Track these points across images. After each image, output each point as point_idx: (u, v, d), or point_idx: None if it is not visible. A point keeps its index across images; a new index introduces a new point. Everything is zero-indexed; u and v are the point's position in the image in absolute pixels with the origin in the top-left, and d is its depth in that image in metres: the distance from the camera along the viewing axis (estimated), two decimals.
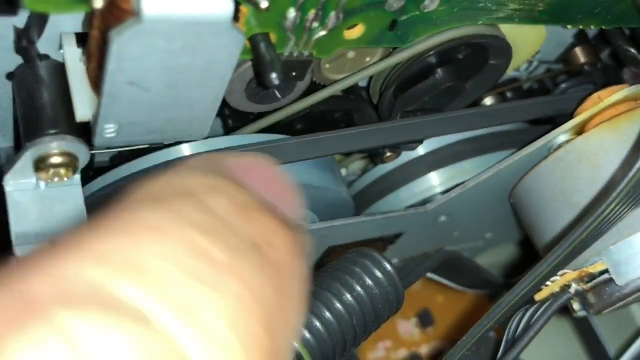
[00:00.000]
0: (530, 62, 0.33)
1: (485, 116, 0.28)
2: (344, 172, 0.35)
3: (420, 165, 0.33)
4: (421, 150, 0.33)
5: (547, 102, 0.29)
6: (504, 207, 0.33)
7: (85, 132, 0.23)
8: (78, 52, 0.23)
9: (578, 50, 0.33)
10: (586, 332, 0.43)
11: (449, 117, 0.28)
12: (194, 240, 0.12)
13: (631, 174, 0.22)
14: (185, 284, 0.12)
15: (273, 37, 0.22)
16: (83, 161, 0.23)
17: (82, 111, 0.22)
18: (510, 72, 0.33)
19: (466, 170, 0.33)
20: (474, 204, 0.32)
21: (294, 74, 0.23)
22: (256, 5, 0.19)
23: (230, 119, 0.29)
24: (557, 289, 0.28)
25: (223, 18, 0.19)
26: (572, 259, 0.25)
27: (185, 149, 0.25)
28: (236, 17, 0.21)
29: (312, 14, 0.21)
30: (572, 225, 0.28)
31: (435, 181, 0.33)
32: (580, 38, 0.33)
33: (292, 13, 0.21)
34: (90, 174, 0.27)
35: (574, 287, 0.27)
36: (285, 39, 0.22)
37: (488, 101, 0.34)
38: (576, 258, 0.25)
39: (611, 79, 0.34)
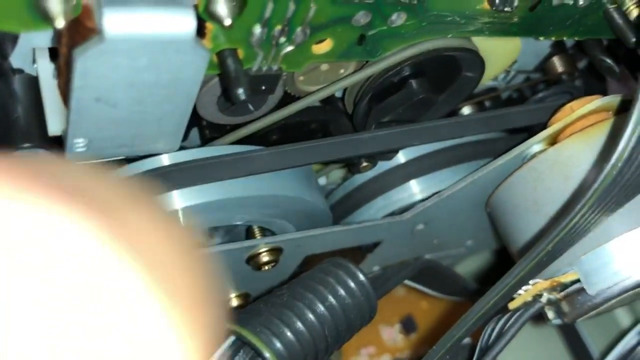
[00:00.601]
0: (508, 72, 0.33)
1: (459, 126, 0.29)
2: (324, 180, 0.35)
3: (397, 174, 0.33)
4: (399, 159, 0.33)
5: (524, 112, 0.29)
6: (483, 215, 0.33)
7: (59, 144, 0.23)
8: (51, 66, 0.23)
9: (555, 60, 0.34)
10: (570, 334, 0.44)
11: (423, 127, 0.28)
12: None
13: (595, 185, 0.22)
14: None
15: (241, 52, 0.22)
16: None
17: (54, 125, 0.23)
18: (487, 82, 0.33)
19: (445, 178, 0.33)
20: (450, 212, 0.32)
21: (264, 87, 0.24)
22: (220, 23, 0.19)
23: (207, 129, 0.29)
24: (529, 298, 0.28)
25: (186, 36, 0.19)
26: (540, 270, 0.25)
27: (164, 160, 0.25)
28: (202, 33, 0.21)
29: (278, 29, 0.21)
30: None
31: (413, 189, 0.33)
32: (558, 48, 0.34)
33: (257, 29, 0.21)
34: None
35: (546, 296, 0.27)
36: (253, 54, 0.22)
37: (466, 110, 0.34)
38: (545, 268, 0.26)
39: (590, 88, 0.35)
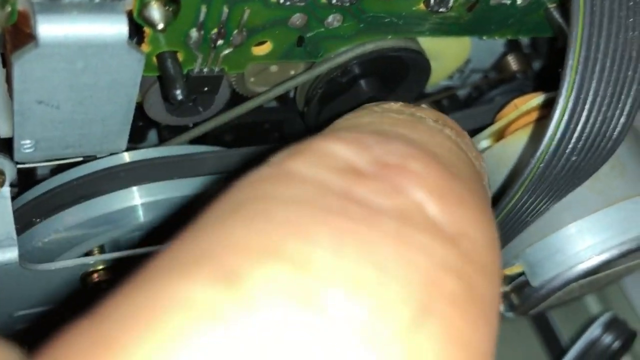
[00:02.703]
0: (462, 71, 0.34)
1: None
2: None
3: None
4: None
5: (468, 114, 0.30)
6: None
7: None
8: (3, 71, 0.24)
9: (510, 58, 0.35)
10: (540, 321, 0.44)
11: None
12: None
13: (519, 180, 0.23)
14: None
15: (181, 55, 0.23)
16: (9, 175, 0.25)
17: (4, 128, 0.24)
18: (443, 81, 0.34)
19: None
20: None
21: (206, 88, 0.24)
22: (153, 27, 0.20)
23: (165, 129, 0.30)
24: None
25: (118, 39, 0.20)
26: None
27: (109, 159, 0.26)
28: (142, 37, 0.22)
29: (214, 32, 0.22)
30: None
31: None
32: (511, 46, 0.34)
33: (194, 32, 0.22)
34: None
35: None
36: (192, 56, 0.23)
37: None
38: None
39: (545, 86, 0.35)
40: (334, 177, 0.14)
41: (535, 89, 0.34)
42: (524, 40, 0.35)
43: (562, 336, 0.44)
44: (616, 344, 0.39)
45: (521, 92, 0.35)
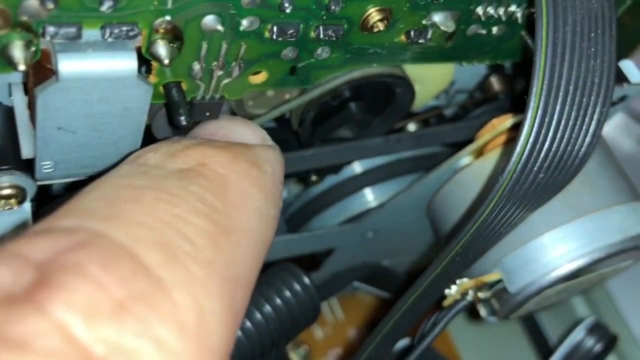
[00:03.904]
0: (447, 92, 0.37)
1: (393, 142, 0.32)
2: (284, 194, 0.39)
3: (349, 184, 0.36)
4: (357, 169, 0.36)
5: (451, 129, 0.33)
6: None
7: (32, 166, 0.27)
8: (25, 99, 0.27)
9: (492, 79, 0.37)
10: (529, 322, 0.46)
11: (360, 145, 0.31)
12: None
13: (490, 196, 0.25)
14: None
15: (185, 84, 0.25)
16: (30, 192, 0.27)
17: (27, 150, 0.26)
18: (430, 102, 0.36)
19: (395, 188, 0.36)
20: (396, 221, 0.35)
21: (207, 114, 0.27)
22: (160, 62, 0.23)
23: None
24: (458, 296, 0.31)
25: (129, 74, 0.22)
26: (458, 271, 0.28)
27: None
28: (150, 69, 0.24)
29: (214, 65, 0.25)
30: None
31: (369, 197, 0.37)
32: (494, 68, 0.37)
33: (196, 65, 0.24)
34: None
35: (471, 294, 0.31)
36: (195, 86, 0.26)
37: (412, 127, 0.37)
38: (465, 269, 0.29)
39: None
40: None
41: (516, 107, 0.36)
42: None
43: (550, 337, 0.46)
44: (598, 347, 0.41)
45: (503, 111, 0.37)
